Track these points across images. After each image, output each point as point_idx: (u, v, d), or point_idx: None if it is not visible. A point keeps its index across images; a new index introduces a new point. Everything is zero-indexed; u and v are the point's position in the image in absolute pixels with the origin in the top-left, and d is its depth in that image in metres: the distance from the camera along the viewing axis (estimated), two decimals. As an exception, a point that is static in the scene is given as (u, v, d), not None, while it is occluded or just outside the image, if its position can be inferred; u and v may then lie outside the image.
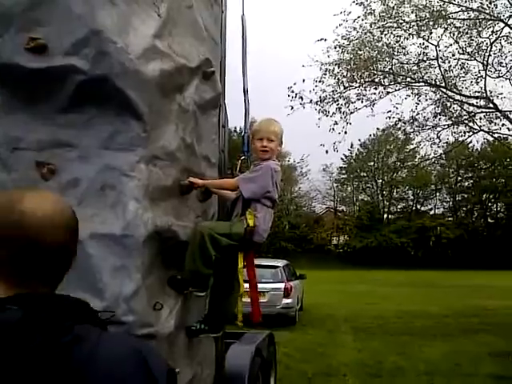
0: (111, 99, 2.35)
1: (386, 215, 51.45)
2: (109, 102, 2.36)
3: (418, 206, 51.90)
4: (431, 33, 12.22)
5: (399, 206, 52.61)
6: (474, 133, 13.12)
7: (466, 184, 50.39)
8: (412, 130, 13.87)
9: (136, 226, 2.30)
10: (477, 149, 44.71)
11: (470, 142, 25.06)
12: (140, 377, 1.07)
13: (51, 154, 2.41)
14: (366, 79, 12.70)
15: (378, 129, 34.08)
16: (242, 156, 3.37)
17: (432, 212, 51.45)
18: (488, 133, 12.91)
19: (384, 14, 12.39)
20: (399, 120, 13.63)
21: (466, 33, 11.98)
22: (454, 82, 12.46)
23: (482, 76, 12.10)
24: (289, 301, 12.31)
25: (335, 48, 13.05)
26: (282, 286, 12.24)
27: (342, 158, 49.92)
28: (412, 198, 51.83)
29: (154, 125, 2.49)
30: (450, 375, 7.47)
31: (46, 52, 2.32)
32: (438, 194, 51.61)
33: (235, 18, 3.94)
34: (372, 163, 50.58)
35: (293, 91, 12.83)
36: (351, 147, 48.12)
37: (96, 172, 2.38)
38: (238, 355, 4.72)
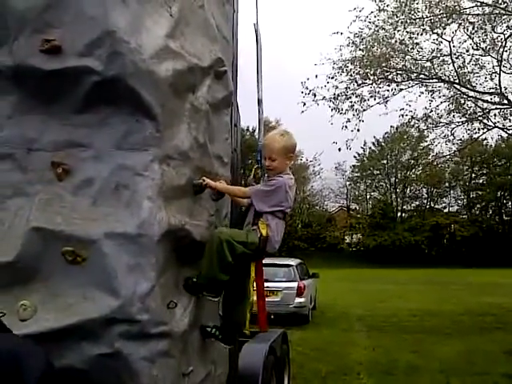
0: (125, 99, 2.37)
1: (399, 213, 51.13)
2: (122, 102, 2.38)
3: (432, 204, 51.50)
4: (445, 28, 12.12)
5: (413, 204, 52.25)
6: (488, 129, 12.99)
7: (481, 181, 49.91)
8: (426, 128, 13.77)
9: (150, 224, 2.32)
10: (491, 145, 44.27)
11: (485, 138, 24.82)
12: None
13: (66, 155, 2.43)
14: (379, 76, 12.61)
15: (391, 126, 33.86)
16: (257, 166, 3.37)
17: (446, 210, 51.05)
18: (502, 129, 12.77)
19: (397, 10, 12.30)
20: (412, 117, 13.54)
21: (481, 28, 11.85)
22: (468, 78, 12.32)
23: (496, 72, 11.98)
24: (302, 300, 12.31)
25: (348, 45, 13.00)
26: (295, 284, 12.24)
27: (354, 156, 49.76)
28: (426, 195, 51.47)
29: (167, 124, 2.50)
30: (464, 374, 7.43)
31: (60, 53, 2.34)
32: (452, 191, 51.20)
33: (249, 20, 3.94)
34: (385, 161, 50.28)
35: (307, 87, 12.80)
36: (364, 145, 47.96)
37: (110, 172, 2.40)
38: (251, 354, 4.73)
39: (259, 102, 3.83)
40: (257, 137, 3.70)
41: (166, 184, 2.47)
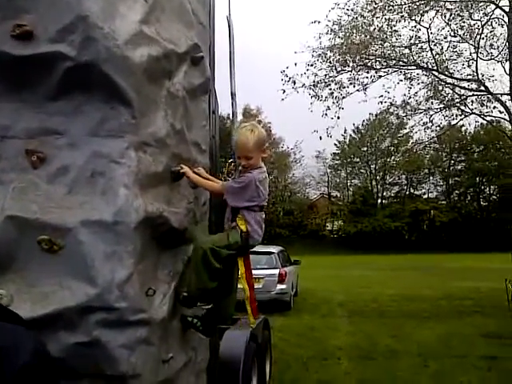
0: (99, 86, 2.34)
1: (379, 200, 51.65)
2: (97, 88, 2.34)
3: (412, 190, 52.11)
4: (423, 15, 12.17)
5: (393, 191, 52.84)
6: (465, 116, 13.14)
7: (459, 167, 50.60)
8: (404, 114, 13.88)
9: (127, 212, 2.30)
10: (469, 132, 44.85)
11: (463, 125, 25.11)
12: None
13: (40, 142, 2.40)
14: (358, 63, 12.65)
15: (370, 114, 34.01)
16: (231, 160, 3.34)
17: (425, 196, 51.71)
18: (480, 115, 12.93)
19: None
20: (391, 104, 13.63)
21: (458, 15, 11.93)
22: (445, 65, 12.43)
23: (473, 59, 12.10)
24: (283, 286, 12.40)
25: (327, 33, 12.98)
26: (276, 271, 12.31)
27: (335, 144, 49.97)
28: (405, 182, 52.01)
29: (142, 111, 2.48)
30: (442, 357, 7.57)
31: (32, 39, 2.30)
32: (431, 177, 51.84)
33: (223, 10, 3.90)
34: (365, 148, 50.62)
35: (286, 75, 12.78)
36: (344, 132, 48.17)
37: (85, 159, 2.38)
38: (233, 340, 4.76)
39: (232, 95, 3.80)
40: (231, 130, 3.65)
41: (142, 171, 2.45)
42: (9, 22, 2.30)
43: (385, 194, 52.51)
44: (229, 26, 3.91)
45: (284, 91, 12.80)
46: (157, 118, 2.61)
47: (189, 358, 2.97)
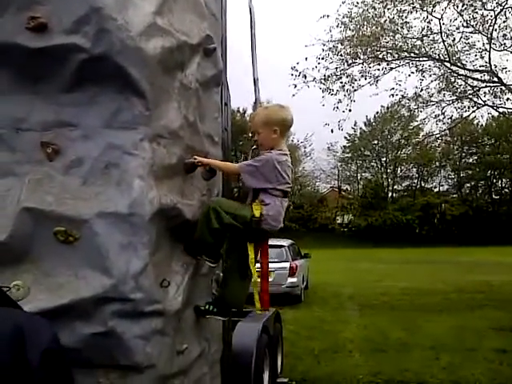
0: (113, 77, 2.34)
1: (390, 193, 51.43)
2: (110, 80, 2.35)
3: (423, 184, 51.82)
4: (435, 6, 12.02)
5: (403, 184, 52.57)
6: (478, 108, 13.01)
7: (471, 160, 50.21)
8: (416, 107, 13.77)
9: (141, 204, 2.31)
10: (481, 125, 44.46)
11: (475, 117, 24.86)
12: (11, 362, 1.07)
13: (55, 134, 2.41)
14: (369, 55, 12.56)
15: (382, 106, 33.82)
16: (254, 147, 3.31)
17: (436, 189, 51.40)
18: (492, 107, 12.79)
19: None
20: (403, 97, 13.54)
21: (471, 5, 11.78)
22: (458, 56, 12.30)
23: (486, 49, 11.95)
24: (294, 279, 12.43)
25: (337, 26, 12.89)
26: (287, 265, 12.34)
27: (345, 137, 49.74)
28: (416, 175, 51.73)
29: (156, 103, 2.48)
30: (454, 350, 7.57)
31: (46, 31, 2.30)
32: (442, 170, 51.50)
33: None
34: (376, 141, 50.36)
35: (296, 70, 12.72)
36: (355, 125, 47.98)
37: (99, 151, 2.38)
38: (244, 333, 4.77)
39: (255, 81, 3.79)
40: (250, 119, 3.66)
41: (156, 163, 2.45)
42: (23, 13, 2.30)
43: (395, 187, 52.28)
44: (250, 11, 3.89)
45: (295, 86, 12.76)
46: (170, 110, 2.61)
47: (202, 349, 2.98)
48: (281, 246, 12.77)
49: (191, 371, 2.81)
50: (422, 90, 13.10)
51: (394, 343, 8.06)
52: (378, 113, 45.74)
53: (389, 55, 12.77)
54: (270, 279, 12.03)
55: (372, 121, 49.04)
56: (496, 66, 11.94)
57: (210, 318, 3.09)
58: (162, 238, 2.51)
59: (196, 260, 2.84)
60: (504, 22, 11.78)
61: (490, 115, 17.32)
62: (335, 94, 12.88)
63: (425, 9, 12.04)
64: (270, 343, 5.36)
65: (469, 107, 13.02)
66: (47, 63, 2.35)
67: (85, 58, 2.30)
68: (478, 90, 12.50)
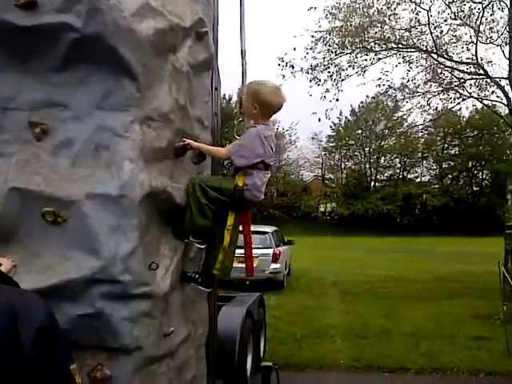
0: (104, 58, 2.32)
1: (372, 183, 51.74)
2: (102, 60, 2.32)
3: (405, 174, 52.19)
4: (423, -3, 12.06)
5: (386, 174, 52.85)
6: (463, 99, 13.12)
7: (453, 152, 50.63)
8: (402, 97, 13.83)
9: (132, 186, 2.30)
10: (464, 116, 44.87)
11: (460, 108, 25.05)
12: (1, 341, 1.08)
13: (44, 114, 2.38)
14: (357, 45, 12.56)
15: (367, 96, 33.90)
16: (240, 120, 3.31)
17: (418, 180, 51.82)
18: (478, 99, 12.91)
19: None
20: (390, 87, 13.58)
21: (459, -3, 11.84)
22: (445, 48, 12.36)
23: (473, 42, 12.02)
24: (277, 266, 12.51)
25: (326, 17, 12.86)
26: (270, 251, 12.40)
27: (330, 126, 49.80)
28: (399, 165, 52.06)
29: (147, 85, 2.46)
30: (433, 336, 7.71)
31: (36, 9, 2.26)
32: (424, 161, 51.88)
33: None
34: (360, 131, 50.52)
35: (283, 60, 12.68)
36: (340, 115, 48.08)
37: (90, 132, 2.37)
38: (229, 317, 4.81)
39: (242, 53, 3.76)
40: (238, 93, 3.64)
41: (146, 146, 2.44)
42: (12, -10, 2.26)
43: (378, 177, 52.57)
44: None
45: (284, 76, 12.72)
46: (161, 93, 2.59)
47: (189, 332, 3.00)
48: (265, 233, 12.83)
49: (177, 354, 2.83)
50: (408, 80, 13.18)
51: (375, 330, 8.17)
52: (362, 102, 45.95)
53: (377, 46, 12.79)
54: (253, 265, 12.04)
55: (357, 110, 49.14)
56: (482, 59, 12.04)
57: (195, 301, 3.12)
58: (151, 221, 2.51)
59: (184, 243, 2.85)
60: (491, 15, 11.88)
61: (474, 107, 17.40)
62: (323, 85, 12.89)
63: (413, 0, 12.08)
64: (254, 327, 5.41)
65: (454, 99, 13.13)
66: (37, 42, 2.32)
67: (76, 37, 2.27)
68: (464, 82, 12.60)
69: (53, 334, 1.23)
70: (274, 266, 12.39)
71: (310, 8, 12.67)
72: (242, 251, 3.12)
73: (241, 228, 3.07)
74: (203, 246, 2.86)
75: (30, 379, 1.14)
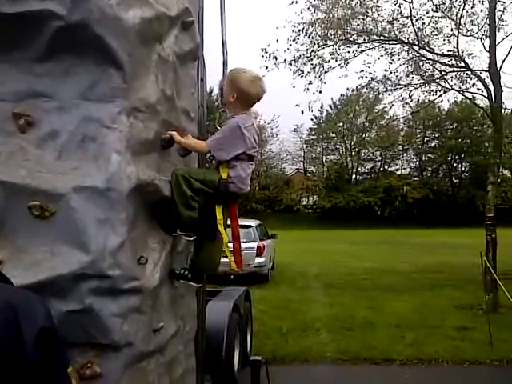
0: (90, 47, 2.25)
1: (354, 175, 52.09)
2: (88, 50, 2.26)
3: (386, 167, 52.66)
4: (405, -11, 12.07)
5: (367, 167, 53.27)
6: (445, 92, 13.19)
7: (433, 144, 51.21)
8: (385, 90, 13.86)
9: (119, 179, 2.25)
10: (443, 109, 45.35)
11: (441, 101, 25.21)
12: (3, 342, 1.04)
13: (28, 105, 2.31)
14: (340, 38, 12.54)
15: (348, 89, 33.96)
16: (222, 110, 3.26)
17: (399, 172, 52.32)
18: (459, 92, 13.00)
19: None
20: (372, 79, 13.60)
21: (441, -11, 11.88)
22: (426, 40, 12.40)
23: (454, 34, 12.07)
24: (262, 259, 12.53)
25: (308, 9, 12.80)
26: (254, 245, 12.40)
27: (312, 119, 49.93)
28: (380, 158, 52.48)
29: (134, 75, 2.40)
30: (417, 327, 7.79)
31: (19, -4, 2.19)
32: (405, 154, 52.38)
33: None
34: (341, 124, 50.75)
35: (266, 51, 12.60)
36: (321, 108, 48.20)
37: (76, 124, 2.30)
38: (216, 311, 4.78)
39: (223, 43, 3.71)
40: (220, 83, 3.58)
41: (134, 137, 2.38)
42: (-7, -23, 2.18)
43: (359, 169, 52.96)
44: None
45: (267, 68, 12.64)
46: (148, 83, 2.53)
47: (178, 327, 2.96)
48: (249, 227, 12.82)
49: (167, 349, 2.79)
50: (390, 73, 13.20)
51: (359, 322, 8.23)
52: (342, 95, 46.14)
53: (359, 38, 12.79)
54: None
55: (338, 103, 49.33)
56: (463, 52, 12.12)
57: (185, 296, 3.08)
58: (139, 215, 2.45)
59: (172, 237, 2.80)
60: (472, 7, 11.94)
61: (455, 99, 17.53)
62: (306, 76, 12.84)
63: (395, -9, 12.10)
64: (241, 322, 5.39)
65: (436, 91, 13.22)
66: (20, 30, 2.24)
67: (61, 25, 2.20)
68: (446, 75, 12.67)
69: (54, 335, 1.18)
70: (258, 259, 12.40)
71: (292, 2, 12.62)
72: (231, 245, 3.08)
73: (228, 222, 3.04)
74: (191, 239, 2.82)
75: (28, 382, 1.09)
